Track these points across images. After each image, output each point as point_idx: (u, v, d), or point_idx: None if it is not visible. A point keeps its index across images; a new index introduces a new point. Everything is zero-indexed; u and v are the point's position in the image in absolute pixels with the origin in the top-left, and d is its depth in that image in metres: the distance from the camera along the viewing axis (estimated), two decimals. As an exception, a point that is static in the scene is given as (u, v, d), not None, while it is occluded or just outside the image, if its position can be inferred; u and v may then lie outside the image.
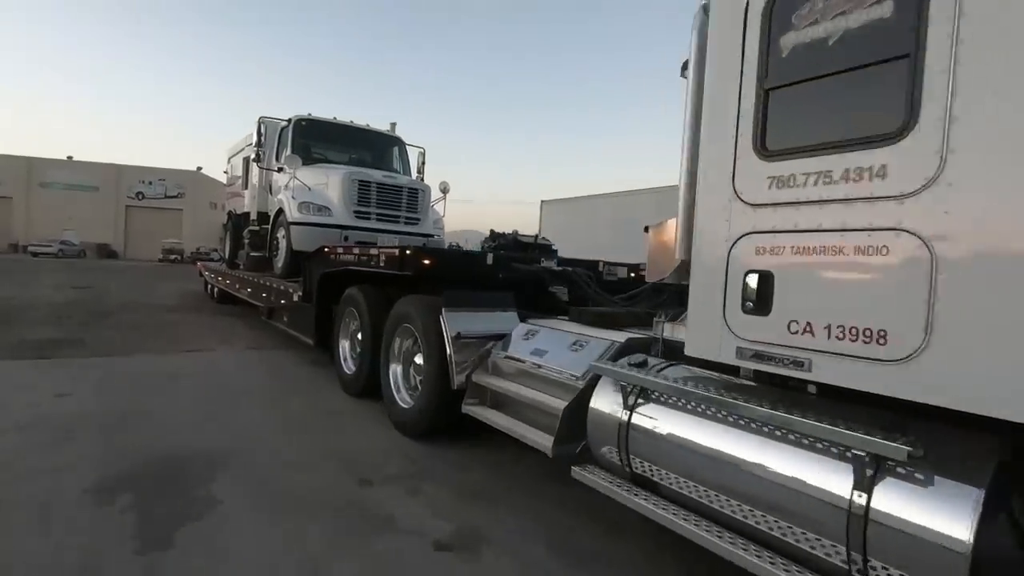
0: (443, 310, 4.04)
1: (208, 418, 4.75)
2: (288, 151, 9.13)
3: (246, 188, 11.40)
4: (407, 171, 10.40)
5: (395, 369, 4.88)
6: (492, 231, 6.27)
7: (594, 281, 4.95)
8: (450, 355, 3.93)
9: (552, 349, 3.56)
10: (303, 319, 7.07)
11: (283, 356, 7.79)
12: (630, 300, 4.30)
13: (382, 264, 5.01)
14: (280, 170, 9.36)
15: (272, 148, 9.79)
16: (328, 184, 8.43)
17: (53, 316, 10.34)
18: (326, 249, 6.45)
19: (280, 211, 8.71)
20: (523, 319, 4.23)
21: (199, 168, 54.02)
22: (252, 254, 10.40)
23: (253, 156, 9.65)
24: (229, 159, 13.49)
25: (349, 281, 6.10)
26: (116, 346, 7.78)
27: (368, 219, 8.36)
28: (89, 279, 20.97)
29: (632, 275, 5.92)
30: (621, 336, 3.38)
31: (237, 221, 12.23)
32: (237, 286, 11.02)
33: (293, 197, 8.26)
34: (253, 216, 10.68)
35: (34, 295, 14.16)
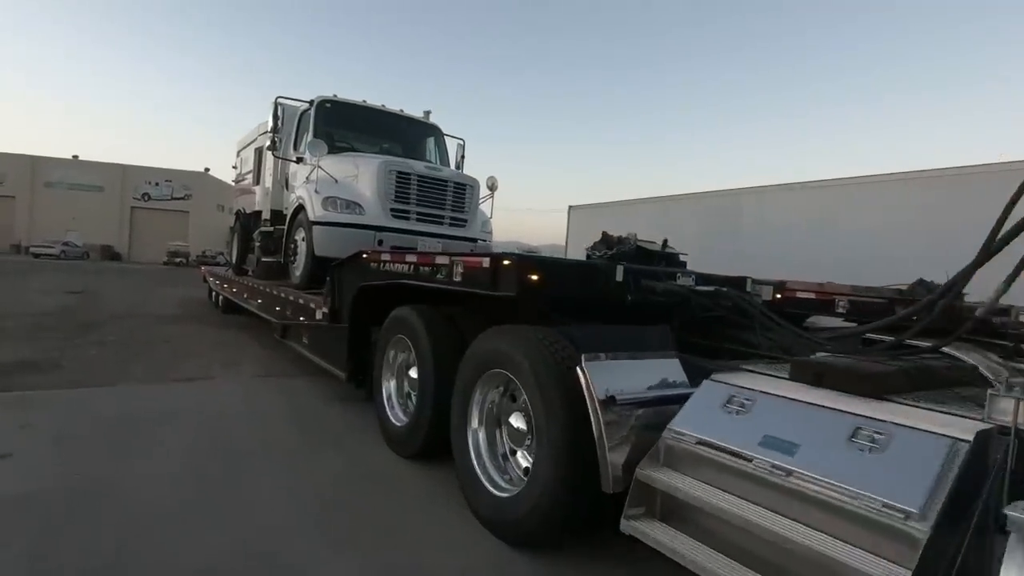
0: (583, 359, 2.52)
1: (200, 508, 3.21)
2: (310, 137, 7.66)
3: (258, 183, 9.94)
4: (445, 165, 8.92)
5: (477, 434, 3.35)
6: (605, 234, 4.75)
7: (763, 307, 3.43)
8: (600, 433, 2.40)
9: (804, 440, 2.02)
10: (330, 343, 5.57)
11: (302, 388, 6.27)
12: (856, 342, 2.78)
13: (457, 279, 3.49)
14: (299, 160, 7.88)
15: (290, 136, 8.33)
16: (359, 175, 6.94)
17: (33, 328, 8.88)
18: (365, 255, 4.94)
19: (299, 208, 7.23)
20: (697, 371, 2.70)
21: (207, 169, 52.85)
22: (264, 259, 8.92)
23: (268, 144, 8.18)
24: (238, 152, 12.04)
25: (396, 298, 4.61)
26: (97, 371, 6.29)
27: (407, 218, 6.87)
28: (86, 283, 19.57)
29: (778, 296, 4.37)
30: (956, 426, 1.84)
31: (246, 221, 10.76)
32: (245, 296, 9.54)
33: (316, 191, 6.78)
34: (266, 215, 9.20)
35: (20, 300, 12.73)
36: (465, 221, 7.36)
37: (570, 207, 22.32)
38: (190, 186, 50.67)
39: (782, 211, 14.33)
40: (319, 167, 6.82)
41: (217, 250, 46.70)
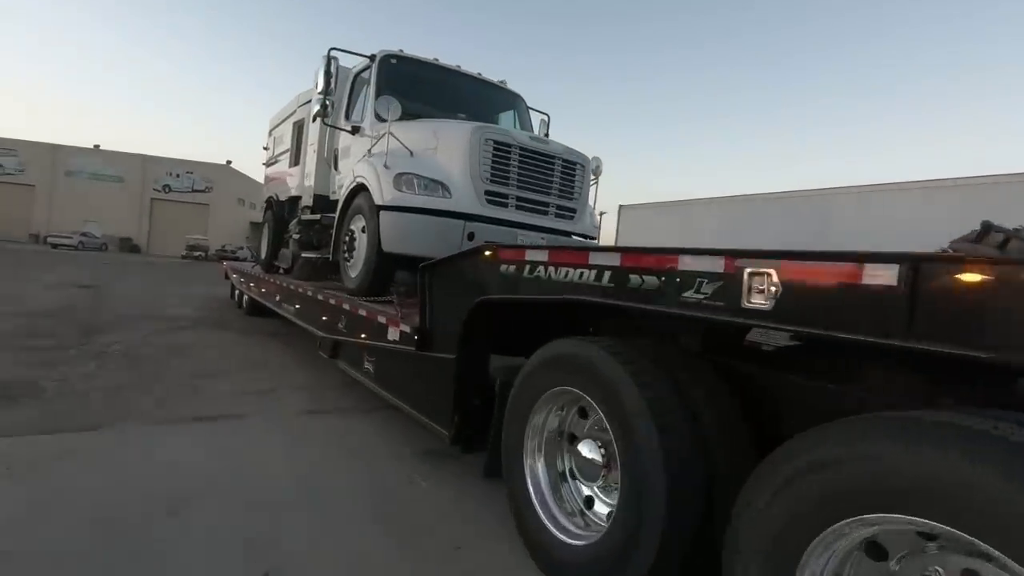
0: None
1: None
2: (369, 100, 5.97)
3: (296, 164, 8.28)
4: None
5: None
6: (988, 223, 2.98)
7: None
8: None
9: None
10: (416, 380, 3.84)
11: (369, 435, 4.51)
12: None
13: (759, 303, 1.72)
14: (356, 131, 6.19)
15: (341, 102, 6.64)
16: (441, 147, 5.22)
17: (24, 332, 7.29)
18: (488, 253, 3.17)
19: (357, 190, 5.53)
20: None
21: (228, 162, 51.94)
22: (305, 255, 7.25)
23: (314, 111, 6.47)
24: (271, 131, 10.42)
25: (539, 322, 2.87)
26: (87, 402, 4.63)
27: (504, 205, 5.14)
28: (99, 276, 18.15)
29: None
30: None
31: (280, 210, 9.11)
32: (278, 298, 7.88)
33: (386, 166, 5.06)
34: (306, 202, 7.54)
35: (22, 295, 11.22)
36: (574, 212, 5.61)
37: (621, 206, 20.53)
38: (211, 179, 49.64)
39: (886, 213, 12.48)
40: (391, 134, 5.11)
41: (237, 245, 45.62)
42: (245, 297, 11.32)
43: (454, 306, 3.38)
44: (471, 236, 4.82)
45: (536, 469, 2.77)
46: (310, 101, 7.84)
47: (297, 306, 6.89)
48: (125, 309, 10.61)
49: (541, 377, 2.70)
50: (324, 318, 5.73)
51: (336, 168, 6.89)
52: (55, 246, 38.43)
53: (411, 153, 5.15)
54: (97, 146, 48.64)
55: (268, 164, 10.38)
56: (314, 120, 7.17)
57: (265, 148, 10.71)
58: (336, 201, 6.27)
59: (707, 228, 15.35)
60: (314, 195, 7.21)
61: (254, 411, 4.83)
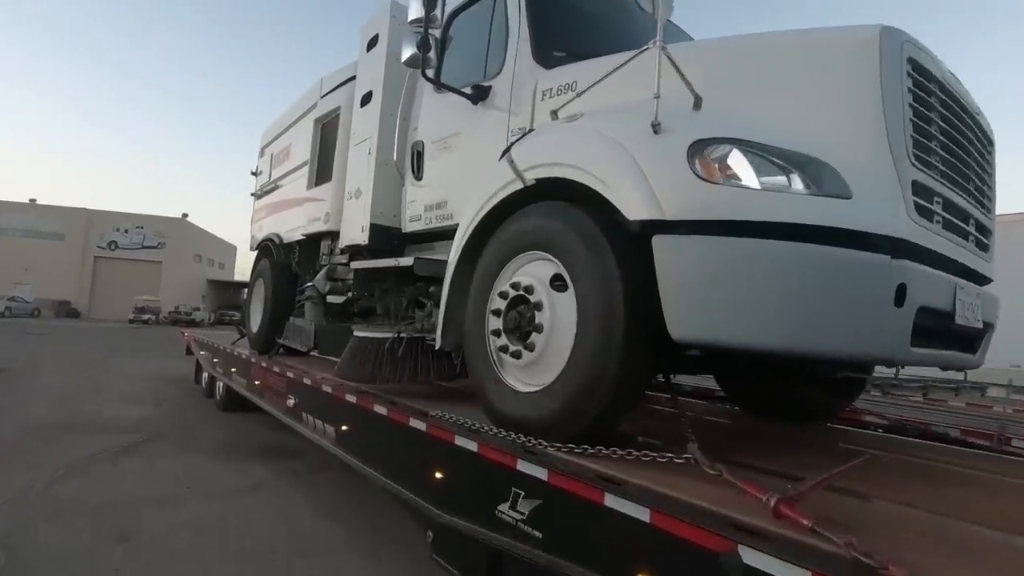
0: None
1: None
2: (518, 41, 3.02)
3: (324, 182, 5.18)
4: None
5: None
6: None
7: None
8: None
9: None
10: None
11: None
12: None
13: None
14: (480, 97, 3.19)
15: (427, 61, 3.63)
16: (786, 82, 2.23)
17: None
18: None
19: (554, 192, 2.46)
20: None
21: (185, 215, 47.80)
22: (359, 335, 3.97)
23: (406, 56, 3.30)
24: (265, 147, 7.30)
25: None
26: None
27: (936, 219, 2.15)
28: (19, 352, 14.12)
29: None
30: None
31: (285, 256, 5.93)
32: (292, 403, 4.66)
33: (654, 129, 2.03)
34: (351, 239, 4.42)
35: None
36: (990, 236, 2.66)
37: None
38: (165, 233, 45.33)
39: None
40: (666, 56, 2.08)
41: (193, 305, 41.05)
42: (219, 384, 7.89)
43: None
44: (901, 295, 1.82)
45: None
46: (348, 82, 4.87)
47: (345, 429, 3.67)
48: (40, 411, 6.99)
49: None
50: (435, 474, 2.56)
51: (417, 176, 3.83)
52: (-25, 314, 33.31)
53: (696, 100, 2.16)
54: (33, 200, 43.96)
55: (261, 194, 7.17)
56: (363, 105, 4.22)
57: (255, 173, 7.54)
58: (418, 234, 3.27)
59: None
60: (371, 224, 4.08)
61: None
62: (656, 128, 2.05)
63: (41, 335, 21.27)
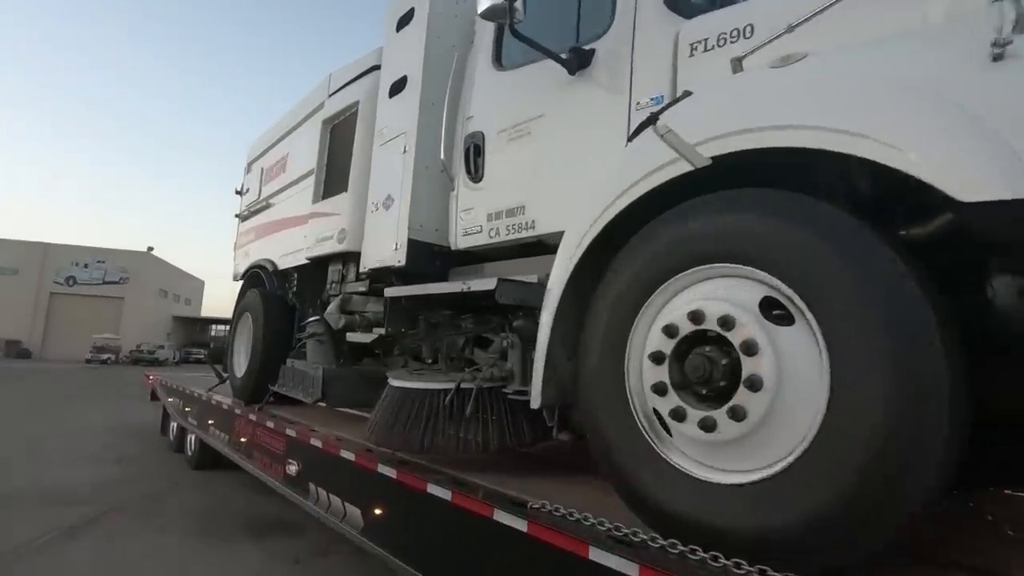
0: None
1: None
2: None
3: (336, 193, 4.26)
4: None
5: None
6: None
7: None
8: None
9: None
10: None
11: None
12: None
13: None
14: (578, 66, 2.37)
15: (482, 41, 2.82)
16: None
17: None
18: None
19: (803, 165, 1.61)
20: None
21: (150, 248, 45.74)
22: (396, 383, 2.99)
23: (483, 9, 2.48)
24: (253, 161, 6.35)
25: None
26: None
27: None
28: (-48, 401, 12.48)
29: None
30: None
31: (279, 286, 4.96)
32: (295, 469, 3.64)
33: None
34: (376, 261, 3.50)
35: None
36: None
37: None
38: (128, 268, 43.11)
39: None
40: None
41: (157, 343, 38.77)
42: (191, 436, 6.72)
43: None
44: None
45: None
46: (370, 72, 4.04)
47: (384, 517, 2.68)
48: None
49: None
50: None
51: (475, 177, 2.97)
52: (-86, 356, 30.67)
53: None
54: (-15, 234, 41.45)
55: (248, 215, 6.18)
56: (392, 96, 3.41)
57: (240, 192, 6.56)
58: (472, 252, 2.54)
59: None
60: (408, 243, 3.18)
61: None
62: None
63: (-16, 379, 19.32)
